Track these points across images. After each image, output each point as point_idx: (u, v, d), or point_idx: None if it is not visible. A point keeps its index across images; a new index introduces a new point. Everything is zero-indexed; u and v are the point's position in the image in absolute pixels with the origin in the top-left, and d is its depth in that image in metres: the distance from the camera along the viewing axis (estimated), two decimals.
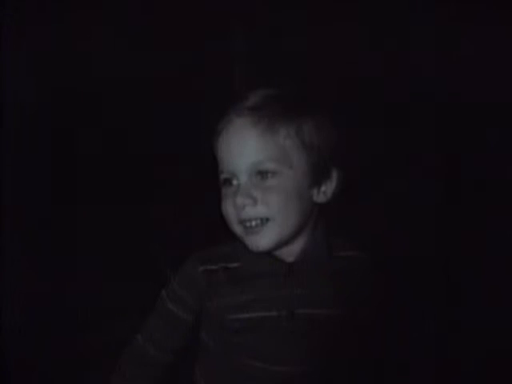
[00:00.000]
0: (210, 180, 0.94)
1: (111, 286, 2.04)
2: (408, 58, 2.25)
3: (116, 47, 2.48)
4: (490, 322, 1.75)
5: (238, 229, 0.87)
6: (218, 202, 0.90)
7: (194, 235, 2.07)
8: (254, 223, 0.85)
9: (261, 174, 0.84)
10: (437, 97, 2.27)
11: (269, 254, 0.89)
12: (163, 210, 2.46)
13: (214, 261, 0.91)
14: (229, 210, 0.87)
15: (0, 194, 1.98)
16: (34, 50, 2.20)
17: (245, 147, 0.85)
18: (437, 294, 1.87)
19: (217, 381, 0.95)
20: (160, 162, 2.52)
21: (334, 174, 0.89)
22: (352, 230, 0.99)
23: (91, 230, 2.27)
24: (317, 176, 0.87)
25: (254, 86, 0.91)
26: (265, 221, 0.85)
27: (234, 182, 0.87)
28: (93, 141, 2.47)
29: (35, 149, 2.28)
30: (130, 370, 0.96)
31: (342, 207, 0.93)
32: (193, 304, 0.92)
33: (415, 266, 1.90)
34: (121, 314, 1.84)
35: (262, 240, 0.85)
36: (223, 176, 0.88)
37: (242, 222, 0.86)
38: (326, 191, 0.89)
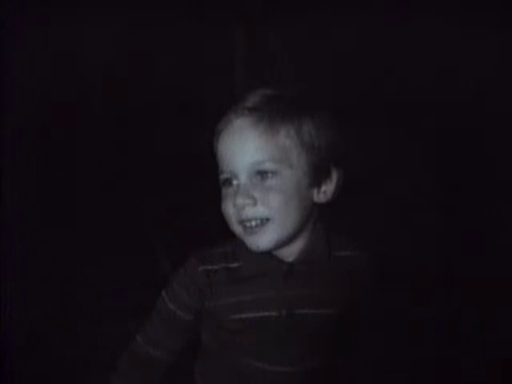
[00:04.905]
0: (210, 180, 0.94)
1: (111, 286, 2.04)
2: (408, 59, 2.25)
3: (117, 48, 2.48)
4: (489, 321, 1.75)
5: (237, 229, 0.87)
6: (218, 201, 0.90)
7: (194, 235, 2.07)
8: (253, 223, 0.85)
9: (261, 174, 0.84)
10: (437, 97, 2.27)
11: (269, 253, 0.88)
12: (163, 210, 2.46)
13: (214, 261, 0.91)
14: (229, 210, 0.87)
15: (0, 194, 1.98)
16: (35, 50, 2.20)
17: (245, 147, 0.84)
18: (436, 294, 1.87)
19: (217, 381, 0.95)
20: (160, 162, 2.52)
21: (334, 174, 0.89)
22: (352, 229, 0.99)
23: (91, 230, 2.28)
24: (317, 176, 0.87)
25: (254, 86, 0.90)
26: (265, 221, 0.84)
27: (234, 182, 0.86)
28: (93, 141, 2.47)
29: (36, 148, 2.28)
30: (129, 370, 0.96)
31: (342, 207, 0.93)
32: (193, 304, 0.91)
33: (415, 266, 1.90)
34: (121, 313, 1.84)
35: (262, 240, 0.85)
36: (223, 176, 0.88)
37: (241, 222, 0.85)
38: (326, 191, 0.89)
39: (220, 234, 0.92)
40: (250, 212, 0.84)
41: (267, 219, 0.85)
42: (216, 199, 0.90)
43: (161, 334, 0.94)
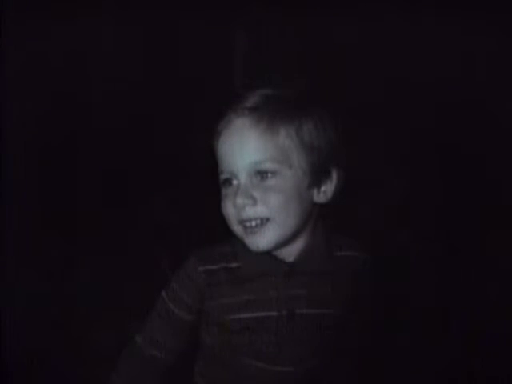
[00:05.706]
0: (210, 180, 0.94)
1: (111, 286, 2.04)
2: (408, 59, 2.25)
3: (116, 47, 2.48)
4: (489, 321, 1.75)
5: (238, 229, 0.87)
6: (218, 201, 0.90)
7: (194, 235, 2.07)
8: (253, 223, 0.85)
9: (261, 174, 0.84)
10: (437, 97, 2.27)
11: (269, 253, 0.88)
12: (164, 210, 2.46)
13: (214, 261, 0.91)
14: (229, 210, 0.87)
15: (1, 195, 1.98)
16: (36, 52, 2.20)
17: (245, 147, 0.84)
18: (436, 294, 1.87)
19: (217, 381, 0.95)
20: (160, 162, 2.52)
21: (334, 174, 0.89)
22: (352, 229, 0.99)
23: (93, 230, 2.27)
24: (317, 176, 0.87)
25: (254, 85, 0.90)
26: (265, 221, 0.85)
27: (234, 182, 0.86)
28: (93, 141, 2.47)
29: (36, 151, 2.28)
30: (129, 370, 0.96)
31: (341, 207, 0.93)
32: (193, 304, 0.91)
33: (415, 266, 1.90)
34: (121, 313, 1.84)
35: (262, 240, 0.85)
36: (223, 176, 0.88)
37: (241, 222, 0.85)
38: (326, 191, 0.89)
39: (220, 233, 0.92)
40: (250, 212, 0.84)
41: (267, 219, 0.85)
42: (216, 199, 0.90)
43: (161, 334, 0.94)
